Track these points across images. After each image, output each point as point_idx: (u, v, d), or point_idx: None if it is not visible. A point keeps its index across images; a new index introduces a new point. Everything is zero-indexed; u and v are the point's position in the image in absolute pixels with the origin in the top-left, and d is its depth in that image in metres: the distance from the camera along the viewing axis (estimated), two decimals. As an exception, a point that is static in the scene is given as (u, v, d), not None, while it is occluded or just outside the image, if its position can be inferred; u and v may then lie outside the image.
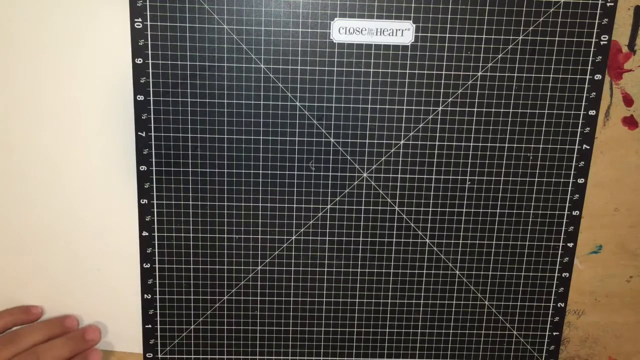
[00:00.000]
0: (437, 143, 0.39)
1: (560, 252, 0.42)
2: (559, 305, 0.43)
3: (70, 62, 0.38)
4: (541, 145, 0.40)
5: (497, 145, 0.40)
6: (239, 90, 0.38)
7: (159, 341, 0.43)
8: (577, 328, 0.44)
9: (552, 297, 0.43)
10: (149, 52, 0.37)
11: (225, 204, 0.40)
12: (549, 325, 0.43)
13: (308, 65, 0.38)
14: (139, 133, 0.39)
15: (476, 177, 0.40)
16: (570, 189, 0.41)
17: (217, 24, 0.37)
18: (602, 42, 0.38)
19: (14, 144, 0.39)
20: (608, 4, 0.37)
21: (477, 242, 0.41)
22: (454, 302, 0.43)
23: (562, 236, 0.42)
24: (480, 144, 0.39)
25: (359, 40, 0.37)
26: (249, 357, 0.43)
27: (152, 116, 0.38)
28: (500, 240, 0.42)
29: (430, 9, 0.37)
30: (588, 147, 0.40)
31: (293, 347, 0.43)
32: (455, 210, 0.41)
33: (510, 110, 0.39)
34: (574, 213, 0.41)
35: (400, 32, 0.37)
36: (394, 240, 0.41)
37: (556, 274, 0.42)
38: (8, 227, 0.40)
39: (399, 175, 0.40)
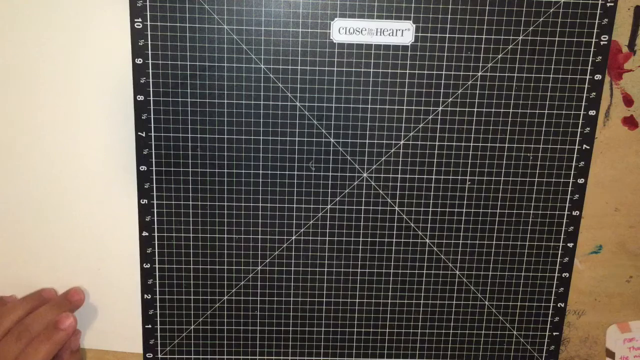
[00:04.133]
0: (437, 143, 0.39)
1: (560, 252, 0.42)
2: (559, 305, 0.43)
3: (70, 62, 0.38)
4: (541, 145, 0.40)
5: (497, 145, 0.40)
6: (239, 90, 0.38)
7: (159, 341, 0.43)
8: (577, 328, 0.44)
9: (552, 297, 0.43)
10: (149, 52, 0.37)
11: (225, 204, 0.40)
12: (549, 325, 0.43)
13: (308, 65, 0.38)
14: (139, 133, 0.39)
15: (476, 177, 0.40)
16: (570, 189, 0.41)
17: (217, 24, 0.37)
18: (602, 42, 0.38)
19: (14, 144, 0.39)
20: (608, 4, 0.37)
21: (477, 242, 0.41)
22: (454, 302, 0.43)
23: (562, 236, 0.42)
24: (480, 144, 0.39)
25: (359, 41, 0.37)
26: (249, 357, 0.43)
27: (152, 116, 0.38)
28: (500, 240, 0.41)
29: (430, 9, 0.37)
30: (588, 147, 0.40)
31: (293, 347, 0.43)
32: (455, 210, 0.41)
33: (510, 110, 0.39)
34: (574, 213, 0.41)
35: (400, 32, 0.37)
36: (394, 240, 0.41)
37: (556, 274, 0.42)
38: (7, 227, 0.40)
39: (399, 175, 0.40)
